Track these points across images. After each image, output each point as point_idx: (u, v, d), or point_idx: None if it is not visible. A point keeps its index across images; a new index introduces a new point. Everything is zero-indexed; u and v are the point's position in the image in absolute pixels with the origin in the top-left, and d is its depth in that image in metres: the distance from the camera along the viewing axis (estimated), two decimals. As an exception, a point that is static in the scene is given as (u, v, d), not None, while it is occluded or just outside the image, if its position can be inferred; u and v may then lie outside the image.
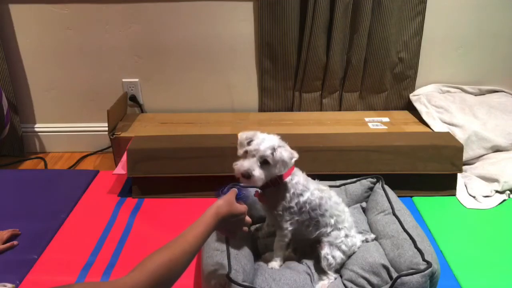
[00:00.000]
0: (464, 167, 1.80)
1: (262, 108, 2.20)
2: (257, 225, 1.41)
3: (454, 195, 1.71)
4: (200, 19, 2.02)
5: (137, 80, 2.14)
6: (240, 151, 1.14)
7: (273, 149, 1.10)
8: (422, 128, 1.96)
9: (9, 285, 1.24)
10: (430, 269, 1.11)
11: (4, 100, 1.98)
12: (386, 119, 2.06)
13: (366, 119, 2.06)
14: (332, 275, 1.23)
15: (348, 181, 1.57)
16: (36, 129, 2.22)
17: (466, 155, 1.82)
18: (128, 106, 2.18)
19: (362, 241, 1.30)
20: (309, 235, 1.25)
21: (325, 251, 1.22)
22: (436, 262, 1.14)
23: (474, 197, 1.69)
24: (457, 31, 2.08)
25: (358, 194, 1.55)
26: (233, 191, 1.08)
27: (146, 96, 2.19)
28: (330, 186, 1.44)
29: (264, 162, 1.10)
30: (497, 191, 1.71)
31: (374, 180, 1.55)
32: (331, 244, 1.23)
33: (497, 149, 1.89)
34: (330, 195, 1.26)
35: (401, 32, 2.04)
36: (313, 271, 1.24)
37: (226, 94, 2.18)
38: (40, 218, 1.57)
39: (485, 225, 1.55)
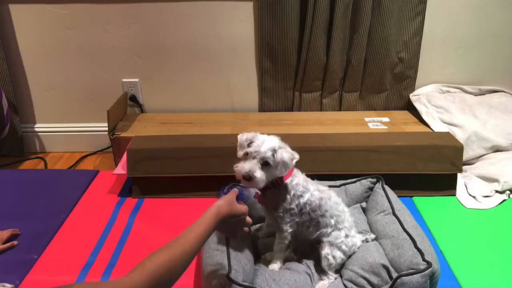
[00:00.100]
0: (464, 167, 1.81)
1: (262, 108, 2.20)
2: (257, 225, 1.41)
3: (454, 195, 1.71)
4: (200, 19, 2.02)
5: (137, 80, 2.14)
6: (240, 153, 1.13)
7: (274, 151, 1.10)
8: (422, 128, 1.96)
9: (8, 285, 1.24)
10: (430, 269, 1.11)
11: (4, 100, 1.98)
12: (386, 119, 2.06)
13: (366, 119, 2.06)
14: (332, 275, 1.23)
15: (348, 181, 1.57)
16: (36, 129, 2.22)
17: (466, 155, 1.82)
18: (128, 106, 2.18)
19: (362, 241, 1.30)
20: (309, 235, 1.25)
21: (326, 251, 1.22)
22: (436, 262, 1.14)
23: (474, 197, 1.69)
24: (457, 31, 2.08)
25: (358, 194, 1.55)
26: (234, 191, 1.07)
27: (146, 96, 2.19)
28: (330, 186, 1.44)
29: (265, 164, 1.09)
30: (497, 191, 1.71)
31: (374, 180, 1.55)
32: (331, 244, 1.23)
33: (497, 149, 1.89)
34: (329, 195, 1.25)
35: (401, 32, 2.04)
36: (313, 271, 1.24)
37: (226, 94, 2.18)
38: (40, 218, 1.57)
39: (485, 225, 1.55)
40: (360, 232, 1.34)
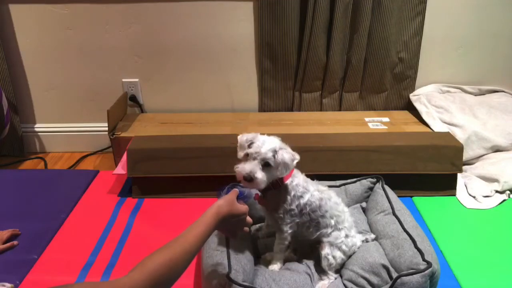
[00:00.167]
0: (464, 167, 1.81)
1: (262, 108, 2.20)
2: (257, 225, 1.41)
3: (454, 195, 1.71)
4: (200, 19, 2.02)
5: (137, 80, 2.14)
6: (241, 154, 1.13)
7: (275, 152, 1.09)
8: (422, 128, 1.96)
9: (8, 284, 1.24)
10: (430, 269, 1.11)
11: (4, 100, 1.98)
12: (386, 119, 2.06)
13: (366, 119, 2.06)
14: (332, 275, 1.23)
15: (348, 181, 1.57)
16: (36, 129, 2.22)
17: (466, 155, 1.82)
18: (128, 106, 2.18)
19: (362, 241, 1.30)
20: (309, 236, 1.25)
21: (326, 251, 1.22)
22: (436, 262, 1.14)
23: (474, 197, 1.69)
24: (457, 31, 2.08)
25: (358, 194, 1.55)
26: (234, 191, 1.07)
27: (146, 96, 2.19)
28: (330, 186, 1.44)
29: (265, 165, 1.09)
30: (497, 191, 1.71)
31: (374, 180, 1.55)
32: (331, 245, 1.23)
33: (497, 149, 1.89)
34: (329, 195, 1.25)
35: (401, 32, 2.04)
36: (313, 271, 1.24)
37: (226, 94, 2.18)
38: (40, 218, 1.57)
39: (485, 225, 1.55)
40: (360, 232, 1.34)
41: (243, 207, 1.05)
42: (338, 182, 1.56)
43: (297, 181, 1.19)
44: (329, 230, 1.23)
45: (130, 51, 2.08)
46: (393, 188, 1.52)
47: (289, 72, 2.09)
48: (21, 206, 1.65)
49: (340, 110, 2.19)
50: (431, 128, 1.94)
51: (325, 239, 1.23)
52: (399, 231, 1.27)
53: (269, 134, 1.15)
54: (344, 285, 1.21)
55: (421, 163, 1.68)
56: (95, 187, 1.81)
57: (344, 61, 2.08)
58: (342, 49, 2.03)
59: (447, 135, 1.82)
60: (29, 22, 2.01)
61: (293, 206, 1.19)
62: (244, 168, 1.08)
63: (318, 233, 1.24)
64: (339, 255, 1.23)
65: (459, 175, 1.73)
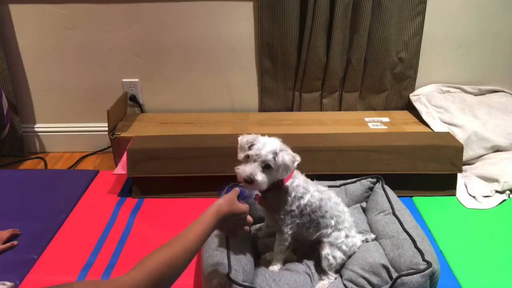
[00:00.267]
0: (464, 167, 1.81)
1: (262, 108, 2.20)
2: (258, 226, 1.41)
3: (454, 195, 1.71)
4: (200, 19, 2.02)
5: (137, 80, 2.15)
6: (241, 155, 1.12)
7: (275, 153, 1.09)
8: (422, 128, 1.96)
9: (8, 283, 1.24)
10: (430, 269, 1.11)
11: (4, 100, 1.98)
12: (386, 119, 2.06)
13: (366, 119, 2.06)
14: (332, 275, 1.23)
15: (348, 181, 1.57)
16: (36, 129, 2.22)
17: (466, 155, 1.82)
18: (128, 106, 2.18)
19: (362, 241, 1.30)
20: (309, 236, 1.25)
21: (326, 251, 1.22)
22: (436, 262, 1.14)
23: (474, 197, 1.69)
24: (457, 31, 2.08)
25: (358, 194, 1.55)
26: (235, 190, 1.07)
27: (146, 96, 2.19)
28: (330, 186, 1.44)
29: (266, 167, 1.09)
30: (497, 191, 1.71)
31: (374, 180, 1.55)
32: (331, 245, 1.23)
33: (497, 149, 1.89)
34: (329, 196, 1.25)
35: (401, 32, 2.04)
36: (313, 271, 1.24)
37: (226, 94, 2.18)
38: (40, 218, 1.57)
39: (485, 225, 1.55)
40: (360, 232, 1.34)
41: (243, 206, 1.05)
42: (338, 182, 1.56)
43: (298, 182, 1.19)
44: (329, 231, 1.23)
45: (130, 51, 2.08)
46: (393, 188, 1.52)
47: (289, 72, 2.09)
48: (21, 206, 1.65)
49: (340, 110, 2.19)
50: (431, 128, 1.94)
51: (325, 239, 1.23)
52: (399, 231, 1.27)
53: (269, 135, 1.15)
54: (344, 285, 1.21)
55: (421, 163, 1.68)
56: (95, 187, 1.81)
57: (344, 61, 2.08)
58: (342, 49, 2.03)
59: (447, 135, 1.82)
60: (29, 22, 2.01)
61: (294, 207, 1.18)
62: (244, 170, 1.08)
63: (318, 233, 1.23)
64: (339, 255, 1.23)
65: (459, 175, 1.73)
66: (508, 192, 1.70)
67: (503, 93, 2.17)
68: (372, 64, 2.07)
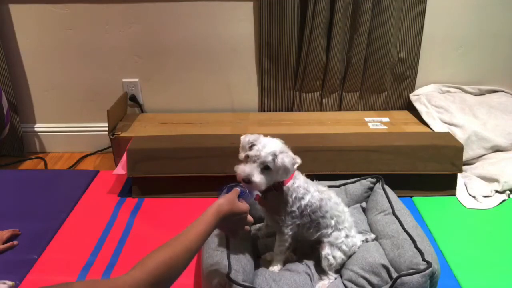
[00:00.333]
0: (464, 167, 1.81)
1: (262, 108, 2.20)
2: (258, 225, 1.41)
3: (454, 195, 1.71)
4: (200, 19, 2.02)
5: (137, 80, 2.15)
6: (242, 155, 1.13)
7: (275, 155, 1.09)
8: (422, 128, 1.96)
9: (9, 282, 1.24)
10: (430, 269, 1.11)
11: (4, 100, 1.98)
12: (386, 119, 2.06)
13: (366, 119, 2.06)
14: (332, 275, 1.23)
15: (348, 181, 1.57)
16: (36, 129, 2.22)
17: (466, 155, 1.82)
18: (128, 106, 2.18)
19: (362, 241, 1.29)
20: (309, 236, 1.25)
21: (326, 251, 1.22)
22: (436, 262, 1.14)
23: (474, 197, 1.69)
24: (457, 31, 2.08)
25: (358, 194, 1.55)
26: (236, 190, 1.07)
27: (146, 96, 2.19)
28: (330, 186, 1.44)
29: (265, 168, 1.09)
30: (497, 191, 1.71)
31: (374, 180, 1.55)
32: (331, 245, 1.23)
33: (497, 149, 1.89)
34: (329, 196, 1.25)
35: (401, 32, 2.04)
36: (313, 271, 1.24)
37: (226, 94, 2.18)
38: (40, 218, 1.57)
39: (485, 225, 1.55)
40: (360, 232, 1.34)
41: (244, 206, 1.05)
42: (338, 182, 1.56)
43: (299, 183, 1.19)
44: (330, 231, 1.23)
45: (130, 51, 2.08)
46: (393, 188, 1.52)
47: (289, 72, 2.09)
48: (21, 206, 1.65)
49: (340, 110, 2.19)
50: (431, 128, 1.94)
51: (325, 239, 1.23)
52: (399, 231, 1.27)
53: (272, 136, 1.15)
54: (344, 285, 1.21)
55: (421, 163, 1.68)
56: (95, 187, 1.81)
57: (344, 61, 2.08)
58: (342, 49, 2.03)
59: (447, 135, 1.82)
60: (29, 22, 2.01)
61: (294, 208, 1.18)
62: (243, 170, 1.08)
63: (318, 233, 1.23)
64: (339, 255, 1.23)
65: (459, 175, 1.73)
66: (508, 192, 1.70)
67: (503, 93, 2.17)
68: (372, 64, 2.07)
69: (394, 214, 1.35)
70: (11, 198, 1.71)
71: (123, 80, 2.14)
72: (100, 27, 2.02)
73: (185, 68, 2.12)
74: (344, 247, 1.23)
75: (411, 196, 1.70)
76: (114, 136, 1.91)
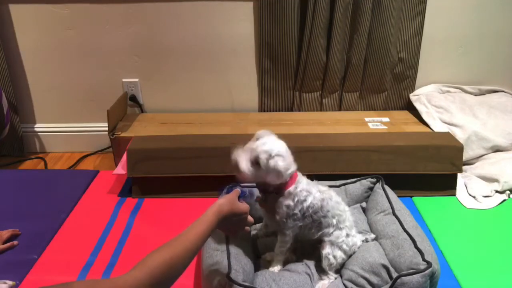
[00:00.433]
0: (464, 167, 1.81)
1: (262, 108, 2.20)
2: (258, 225, 1.41)
3: (454, 195, 1.71)
4: (200, 19, 2.02)
5: (137, 80, 2.15)
6: (248, 143, 1.14)
7: (269, 156, 1.09)
8: (422, 128, 1.96)
9: (9, 282, 1.24)
10: (430, 269, 1.10)
11: (4, 100, 1.98)
12: (386, 119, 2.06)
13: (366, 119, 2.06)
14: (332, 275, 1.23)
15: (348, 181, 1.57)
16: (36, 129, 2.22)
17: (466, 155, 1.82)
18: (128, 106, 2.18)
19: (362, 241, 1.29)
20: (311, 236, 1.25)
21: (327, 250, 1.22)
22: (436, 262, 1.14)
23: (474, 197, 1.69)
24: (457, 31, 2.08)
25: (358, 194, 1.55)
26: (236, 190, 1.07)
27: (146, 96, 2.19)
28: (330, 186, 1.43)
29: (256, 162, 1.09)
30: (497, 191, 1.71)
31: (374, 180, 1.55)
32: (332, 244, 1.23)
33: (497, 149, 1.89)
34: (330, 195, 1.25)
35: (401, 32, 2.04)
36: (313, 271, 1.24)
37: (226, 94, 2.18)
38: (40, 218, 1.57)
39: (485, 225, 1.55)
40: (360, 232, 1.34)
41: (244, 206, 1.05)
42: (338, 182, 1.56)
43: (301, 186, 1.18)
44: (331, 230, 1.23)
45: (130, 51, 2.08)
46: (393, 188, 1.52)
47: (289, 72, 2.09)
48: (21, 206, 1.65)
49: (340, 110, 2.19)
50: (431, 128, 1.94)
51: (326, 238, 1.23)
52: (399, 231, 1.27)
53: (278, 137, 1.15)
54: (344, 285, 1.21)
55: (421, 163, 1.68)
56: (95, 187, 1.81)
57: (344, 61, 2.08)
58: (342, 49, 2.03)
59: (447, 135, 1.82)
60: (29, 22, 2.01)
61: (296, 211, 1.18)
62: (237, 154, 1.09)
63: (320, 233, 1.23)
64: (339, 254, 1.22)
65: (459, 175, 1.73)
66: (508, 192, 1.70)
67: (503, 93, 2.17)
68: (372, 64, 2.07)
69: (394, 214, 1.35)
70: (11, 198, 1.71)
71: (123, 80, 2.14)
72: (100, 27, 2.02)
73: (185, 68, 2.12)
74: (344, 246, 1.23)
75: (411, 196, 1.70)
76: (114, 136, 1.91)
